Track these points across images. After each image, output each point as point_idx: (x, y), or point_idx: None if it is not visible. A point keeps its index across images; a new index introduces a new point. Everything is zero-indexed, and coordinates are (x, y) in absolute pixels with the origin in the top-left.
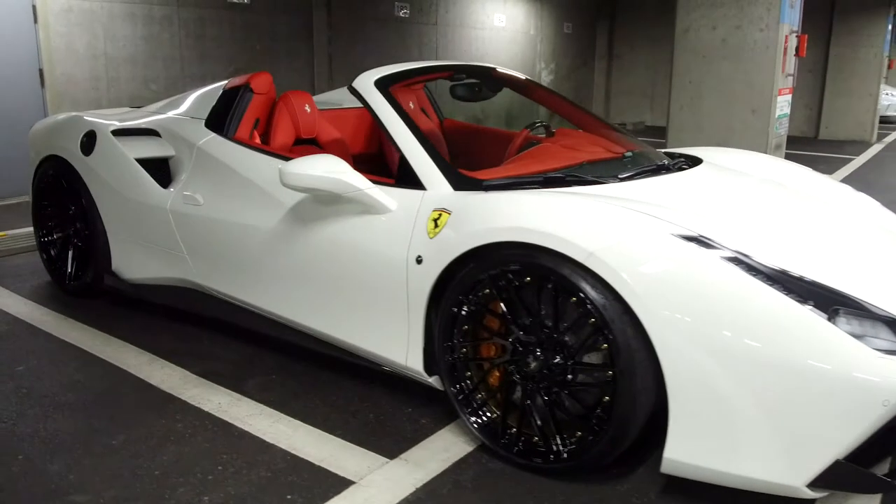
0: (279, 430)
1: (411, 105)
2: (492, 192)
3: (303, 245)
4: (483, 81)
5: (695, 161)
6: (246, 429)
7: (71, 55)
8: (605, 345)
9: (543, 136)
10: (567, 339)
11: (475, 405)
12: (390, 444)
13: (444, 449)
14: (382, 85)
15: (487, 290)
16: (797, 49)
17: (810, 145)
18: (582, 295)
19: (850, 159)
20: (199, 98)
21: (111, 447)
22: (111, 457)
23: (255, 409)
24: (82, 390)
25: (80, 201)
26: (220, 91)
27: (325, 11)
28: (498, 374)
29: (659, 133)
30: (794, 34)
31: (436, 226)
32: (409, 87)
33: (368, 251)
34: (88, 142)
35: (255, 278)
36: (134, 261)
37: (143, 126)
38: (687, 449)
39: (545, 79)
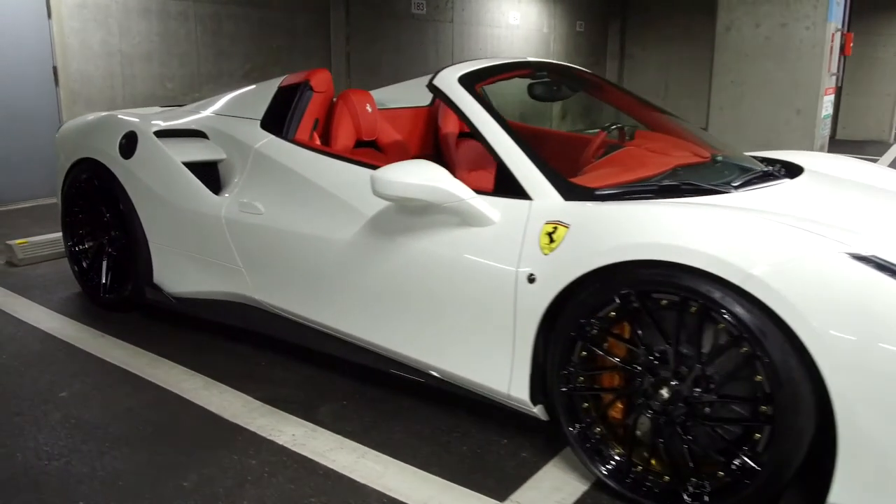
0: (367, 466)
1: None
2: (609, 203)
3: (387, 259)
4: (564, 80)
5: (787, 166)
6: (330, 466)
7: (85, 52)
8: (759, 376)
9: (615, 138)
10: (709, 368)
11: (593, 440)
12: (494, 483)
13: (555, 488)
14: (467, 83)
15: (613, 313)
16: (843, 47)
17: (829, 146)
18: (733, 320)
19: (875, 160)
20: (248, 97)
21: (183, 490)
22: (185, 502)
23: (334, 441)
24: (137, 420)
25: (118, 208)
26: (275, 89)
27: (344, 8)
28: (621, 405)
29: None
30: (839, 32)
31: (551, 240)
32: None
33: (468, 268)
34: (128, 144)
35: (325, 295)
36: (179, 273)
37: (189, 127)
38: (857, 497)
39: None
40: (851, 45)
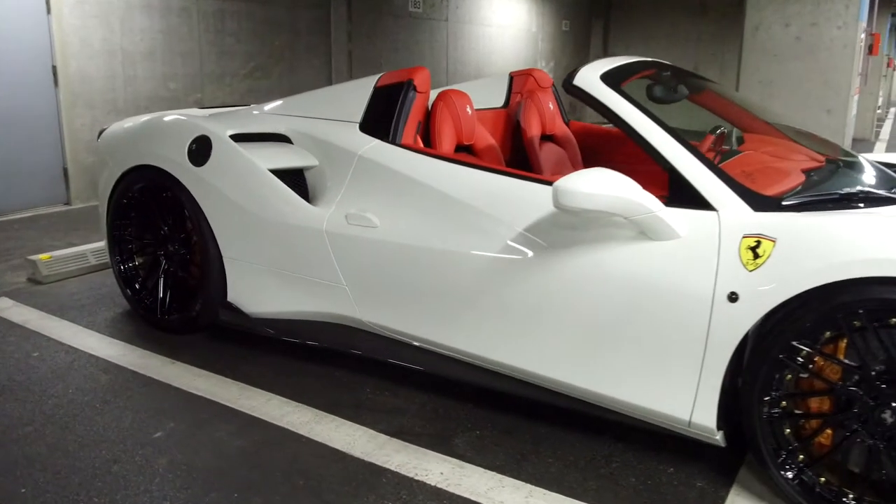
0: None
1: (551, 106)
2: (812, 214)
3: (544, 277)
4: (684, 82)
5: None
6: None
7: (86, 50)
8: None
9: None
10: None
11: (797, 468)
12: None
13: None
14: (611, 83)
15: (829, 333)
16: (870, 48)
17: None
18: None
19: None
20: (337, 97)
21: None
22: None
23: (489, 479)
24: (256, 463)
25: (181, 220)
26: (370, 89)
27: (345, 6)
28: (830, 432)
29: None
30: (867, 32)
31: (756, 256)
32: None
33: (653, 286)
34: (199, 149)
35: (456, 316)
36: (262, 291)
37: (266, 131)
38: None
39: None
40: (879, 45)
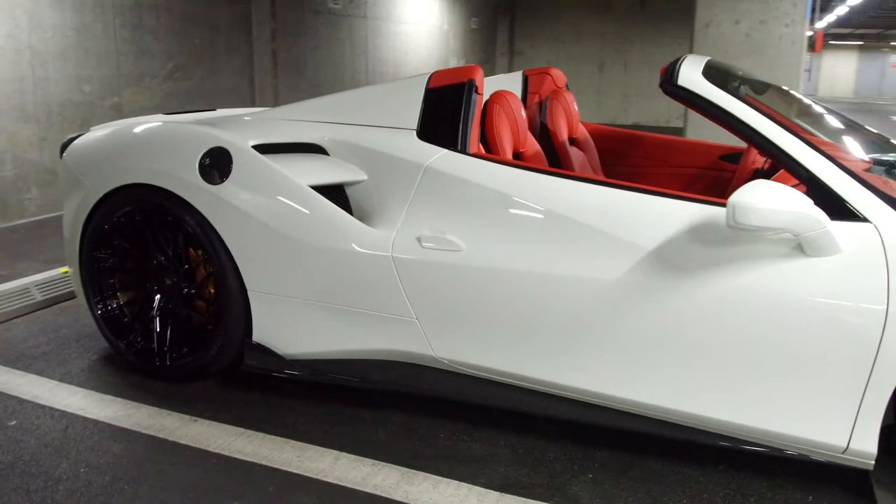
0: None
1: (575, 107)
2: None
3: (678, 302)
4: (748, 84)
5: None
6: None
7: None
8: None
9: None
10: None
11: None
12: None
13: None
14: (718, 81)
15: None
16: (813, 45)
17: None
18: None
19: None
20: (380, 100)
21: None
22: None
23: None
24: None
25: (186, 248)
26: (422, 91)
27: (269, 0)
28: None
29: None
30: (811, 30)
31: None
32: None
33: (814, 306)
34: (215, 164)
35: (566, 349)
36: (304, 330)
37: (295, 140)
38: None
39: None
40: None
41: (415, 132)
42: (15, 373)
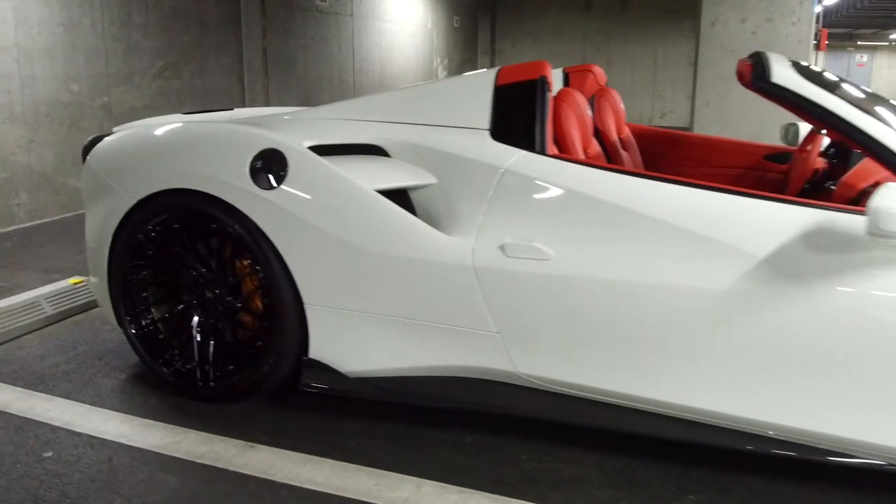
0: None
1: (622, 106)
2: None
3: (801, 313)
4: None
5: None
6: None
7: None
8: None
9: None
10: None
11: None
12: None
13: None
14: (812, 78)
15: None
16: (818, 43)
17: None
18: None
19: None
20: (444, 98)
21: None
22: None
23: None
24: None
25: (232, 258)
26: (490, 88)
27: None
28: None
29: None
30: (817, 28)
31: None
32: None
33: None
34: (268, 167)
35: (669, 363)
36: (369, 346)
37: (352, 141)
38: None
39: (441, 74)
40: (826, 41)
41: (487, 132)
42: (39, 396)
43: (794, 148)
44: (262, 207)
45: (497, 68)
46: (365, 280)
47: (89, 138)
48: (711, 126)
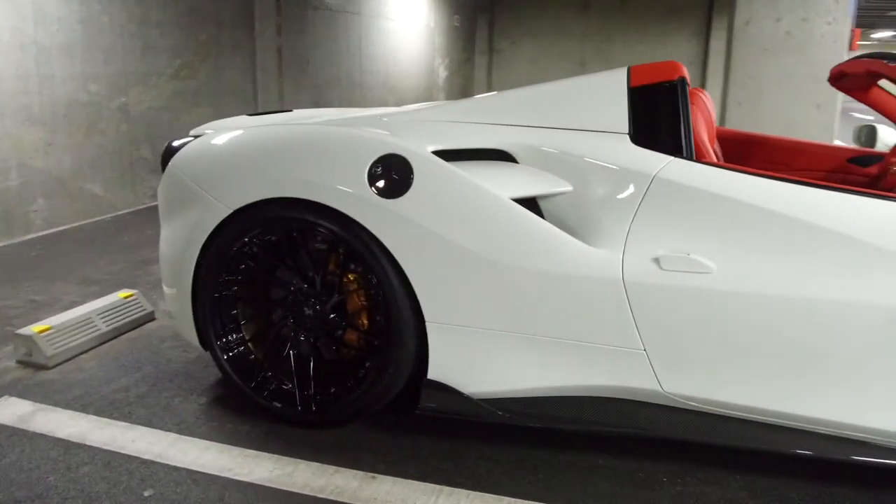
0: None
1: (713, 111)
2: None
3: None
4: None
5: None
6: None
7: None
8: None
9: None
10: None
11: None
12: None
13: None
14: None
15: None
16: (850, 42)
17: None
18: None
19: None
20: (573, 99)
21: None
22: None
23: None
24: None
25: (343, 273)
26: (623, 89)
27: None
28: None
29: None
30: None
31: None
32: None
33: None
34: (390, 174)
35: (844, 382)
36: (498, 365)
37: (478, 146)
38: None
39: (441, 73)
40: (858, 40)
41: (627, 137)
42: (118, 425)
43: (878, 151)
44: (382, 217)
45: (625, 68)
46: (499, 295)
47: (170, 142)
48: (743, 126)
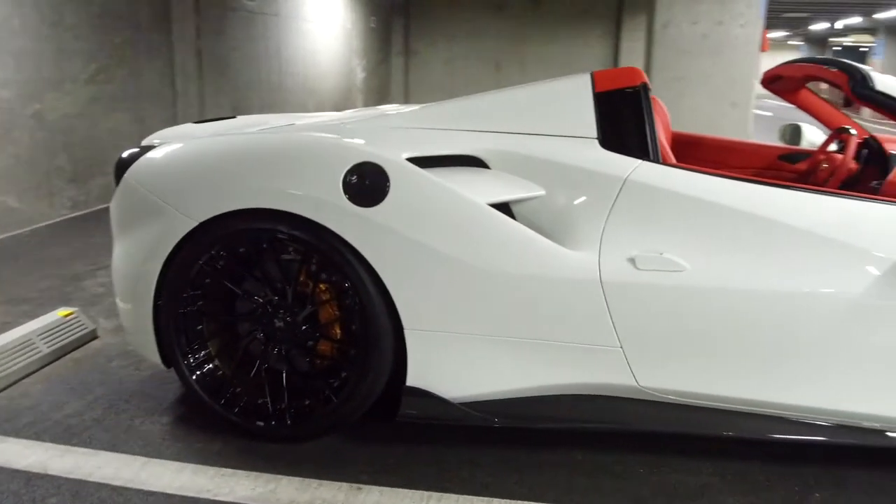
0: None
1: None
2: None
3: None
4: None
5: None
6: None
7: None
8: None
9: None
10: None
11: None
12: None
13: None
14: None
15: None
16: (761, 44)
17: None
18: None
19: None
20: (541, 105)
21: None
22: None
23: None
24: None
25: (316, 284)
26: (589, 95)
27: None
28: None
29: None
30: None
31: None
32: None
33: None
34: (363, 181)
35: (802, 368)
36: (478, 369)
37: (449, 152)
38: None
39: (359, 75)
40: (768, 41)
41: (596, 141)
42: (78, 451)
43: (805, 149)
44: (358, 226)
45: (588, 74)
46: (478, 300)
47: (123, 153)
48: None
